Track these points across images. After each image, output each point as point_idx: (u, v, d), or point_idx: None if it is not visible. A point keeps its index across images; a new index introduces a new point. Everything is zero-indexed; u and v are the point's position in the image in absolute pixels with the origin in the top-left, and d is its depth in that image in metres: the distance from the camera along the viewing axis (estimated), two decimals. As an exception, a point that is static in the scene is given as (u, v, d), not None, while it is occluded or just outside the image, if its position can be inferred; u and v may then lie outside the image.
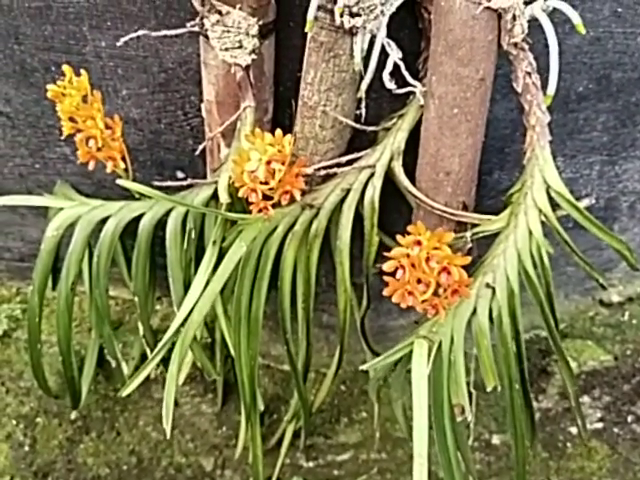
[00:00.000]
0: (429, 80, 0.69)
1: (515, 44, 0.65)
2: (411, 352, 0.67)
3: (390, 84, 0.67)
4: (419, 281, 0.60)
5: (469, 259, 0.60)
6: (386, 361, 0.67)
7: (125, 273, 0.94)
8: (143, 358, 0.98)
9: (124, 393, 0.78)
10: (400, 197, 0.82)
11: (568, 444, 1.12)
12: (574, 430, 1.12)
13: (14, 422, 1.06)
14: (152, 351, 0.90)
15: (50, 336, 1.04)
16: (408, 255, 0.60)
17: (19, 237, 1.02)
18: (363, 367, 0.66)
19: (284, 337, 0.83)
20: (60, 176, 0.92)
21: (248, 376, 0.80)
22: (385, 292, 0.63)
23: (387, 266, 0.60)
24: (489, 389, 0.69)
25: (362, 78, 0.69)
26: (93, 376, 1.01)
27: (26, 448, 1.04)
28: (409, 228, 0.59)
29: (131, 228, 0.83)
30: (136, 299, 0.84)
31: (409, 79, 0.68)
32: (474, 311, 0.69)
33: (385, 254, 0.60)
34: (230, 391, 1.09)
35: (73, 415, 1.07)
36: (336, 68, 0.68)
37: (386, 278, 0.62)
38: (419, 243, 0.58)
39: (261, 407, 0.87)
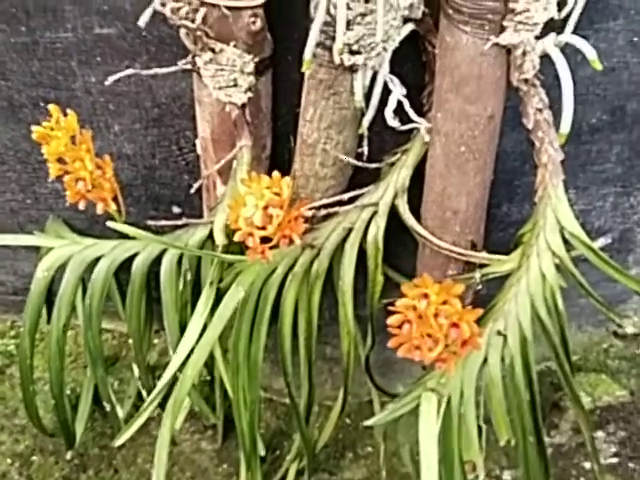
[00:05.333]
0: (434, 117, 0.65)
1: (525, 80, 0.62)
2: (418, 405, 0.64)
3: (393, 122, 0.64)
4: (427, 334, 0.56)
5: (479, 313, 0.56)
6: (392, 415, 0.63)
7: (120, 309, 0.90)
8: (140, 396, 0.95)
9: (117, 443, 0.75)
10: (405, 230, 0.78)
11: (582, 479, 1.08)
12: (587, 465, 1.08)
13: (9, 461, 1.02)
14: (148, 393, 0.87)
15: (45, 372, 1.01)
16: (414, 308, 0.56)
17: (12, 271, 0.99)
18: (368, 423, 0.63)
19: (285, 380, 0.79)
20: (52, 211, 0.88)
21: (248, 422, 0.77)
22: (390, 344, 0.59)
23: (393, 320, 0.56)
24: (502, 443, 0.65)
25: (364, 114, 0.66)
26: (89, 414, 0.98)
27: (21, 488, 1.01)
28: (415, 281, 0.55)
29: (126, 262, 0.80)
30: (131, 341, 0.81)
31: (413, 116, 0.65)
32: (485, 360, 0.65)
33: (390, 308, 0.57)
34: (231, 427, 1.05)
35: (70, 453, 1.03)
36: (336, 105, 0.65)
37: (392, 330, 0.58)
38: (426, 296, 0.55)
39: (262, 452, 0.83)
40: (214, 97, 0.65)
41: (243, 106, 0.65)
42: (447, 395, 0.63)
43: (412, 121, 0.66)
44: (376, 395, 0.98)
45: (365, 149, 0.66)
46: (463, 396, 0.64)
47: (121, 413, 0.87)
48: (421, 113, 0.68)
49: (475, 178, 0.67)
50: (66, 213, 0.89)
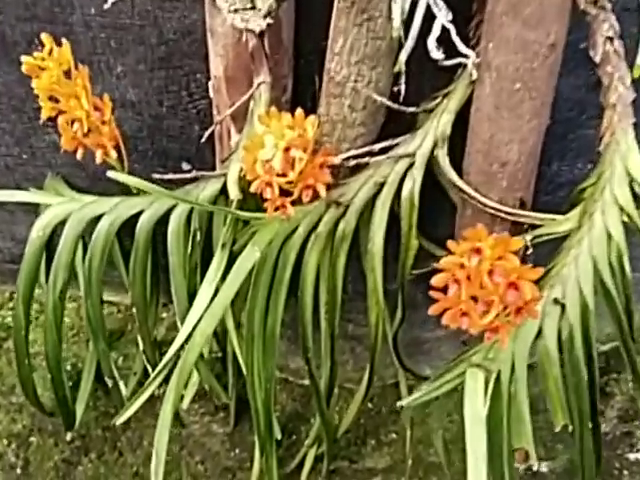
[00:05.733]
0: (484, 48, 0.56)
1: (595, 2, 0.52)
2: (461, 384, 0.55)
3: (437, 53, 0.55)
4: (476, 299, 0.47)
5: (541, 272, 0.47)
6: (429, 396, 0.55)
7: (125, 277, 0.83)
8: (146, 373, 0.87)
9: (119, 421, 0.67)
10: (441, 192, 0.69)
11: (625, 472, 0.99)
12: (632, 456, 0.99)
13: (5, 441, 0.95)
14: (154, 368, 0.79)
15: (44, 346, 0.93)
16: (463, 266, 0.47)
17: (9, 236, 0.92)
18: (401, 403, 0.54)
19: (305, 356, 0.71)
20: (51, 168, 0.81)
21: (263, 402, 0.69)
22: (431, 310, 0.51)
23: (436, 280, 0.47)
24: (558, 429, 0.56)
25: (401, 46, 0.57)
26: (91, 392, 0.90)
27: (18, 471, 0.94)
28: (466, 233, 0.46)
29: (131, 225, 0.72)
30: (134, 310, 0.73)
31: (460, 47, 0.55)
32: (539, 332, 0.56)
33: (435, 265, 0.48)
34: (244, 408, 0.97)
35: (70, 434, 0.96)
36: (370, 34, 0.55)
37: (433, 294, 0.50)
38: (478, 251, 0.46)
39: (278, 436, 0.75)
40: (229, 24, 0.56)
41: (262, 35, 0.56)
42: (496, 372, 0.54)
43: (457, 55, 0.57)
44: (403, 377, 0.90)
45: (402, 87, 0.57)
46: (514, 373, 0.55)
47: (125, 390, 0.79)
48: (467, 48, 0.59)
49: (530, 122, 0.58)
50: (66, 170, 0.81)
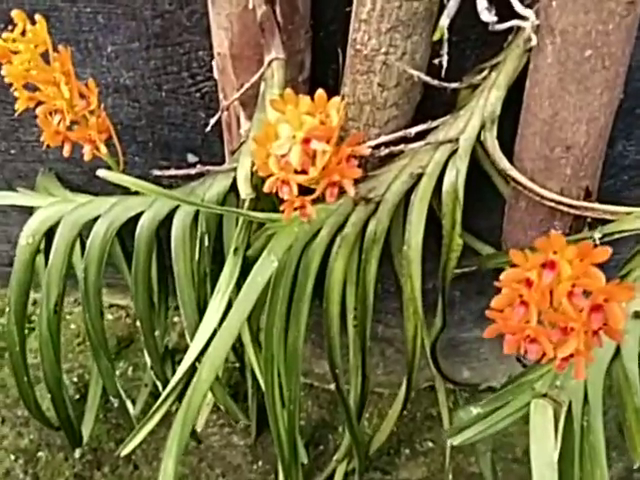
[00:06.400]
0: (546, 8, 0.46)
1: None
2: (523, 413, 0.46)
3: (488, 16, 0.45)
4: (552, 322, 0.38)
5: (633, 287, 0.37)
6: (485, 433, 0.45)
7: (130, 282, 0.74)
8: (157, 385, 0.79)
9: (124, 452, 0.59)
10: (485, 181, 0.60)
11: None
12: None
13: (12, 457, 0.89)
14: (164, 385, 0.71)
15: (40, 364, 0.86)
16: (529, 282, 0.38)
17: (4, 239, 0.84)
18: (453, 442, 0.45)
19: (333, 371, 0.63)
20: (42, 163, 0.72)
21: (286, 425, 0.60)
22: (486, 334, 0.41)
23: (497, 302, 0.38)
24: (636, 465, 0.47)
25: (443, 8, 0.46)
26: (101, 404, 0.83)
27: (27, 488, 0.88)
28: (537, 242, 0.36)
29: (134, 222, 0.63)
30: (139, 323, 0.65)
31: (517, 6, 0.45)
32: (616, 353, 0.46)
33: (496, 284, 0.38)
34: (265, 419, 0.89)
35: (80, 449, 0.89)
36: (404, -5, 0.45)
37: (491, 315, 0.40)
38: (552, 265, 0.36)
39: (304, 460, 0.67)
40: (232, -11, 0.46)
41: (272, 1, 0.46)
42: (566, 403, 0.44)
43: (510, 18, 0.46)
44: (442, 385, 0.81)
45: (445, 59, 0.47)
46: (587, 402, 0.45)
47: (132, 409, 0.71)
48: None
49: (602, 97, 0.47)
50: (60, 166, 0.73)
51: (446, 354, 0.89)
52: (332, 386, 0.97)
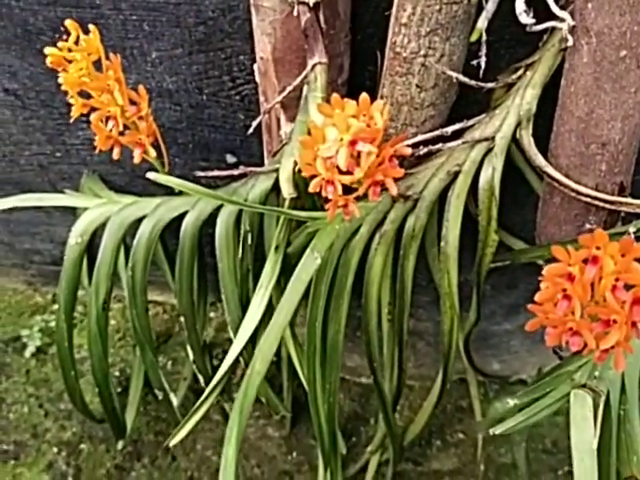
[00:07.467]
0: (581, 9, 0.47)
1: None
2: (563, 403, 0.47)
3: (526, 18, 0.46)
4: (587, 315, 0.39)
5: (672, 282, 0.39)
6: (526, 423, 0.47)
7: (170, 279, 0.77)
8: (197, 378, 0.82)
9: (172, 442, 0.62)
10: (517, 177, 0.61)
11: None
12: None
13: (55, 449, 0.92)
14: (205, 378, 0.74)
15: (89, 358, 0.89)
16: (570, 276, 0.39)
17: (48, 238, 0.87)
18: (495, 432, 0.47)
19: (371, 366, 0.64)
20: (86, 165, 0.75)
21: (326, 417, 0.62)
22: (528, 326, 0.43)
23: (540, 296, 0.39)
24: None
25: (480, 10, 0.48)
26: (141, 397, 0.86)
27: (70, 479, 0.91)
28: (581, 239, 0.38)
29: (175, 223, 0.66)
30: (182, 319, 0.68)
31: (553, 7, 0.46)
32: (654, 345, 0.48)
33: (540, 278, 0.40)
34: (300, 410, 0.92)
35: (122, 440, 0.92)
36: (444, -1, 0.47)
37: (533, 308, 0.42)
38: (596, 261, 0.37)
39: (343, 450, 0.69)
40: (277, -3, 0.48)
41: (316, 7, 0.48)
42: (605, 393, 0.46)
43: (547, 18, 0.48)
44: (474, 379, 0.82)
45: (483, 60, 0.48)
46: (625, 392, 0.47)
47: (175, 401, 0.74)
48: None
49: (636, 95, 0.48)
50: (103, 167, 0.75)
51: (476, 347, 0.91)
52: (363, 379, 0.99)
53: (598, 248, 0.37)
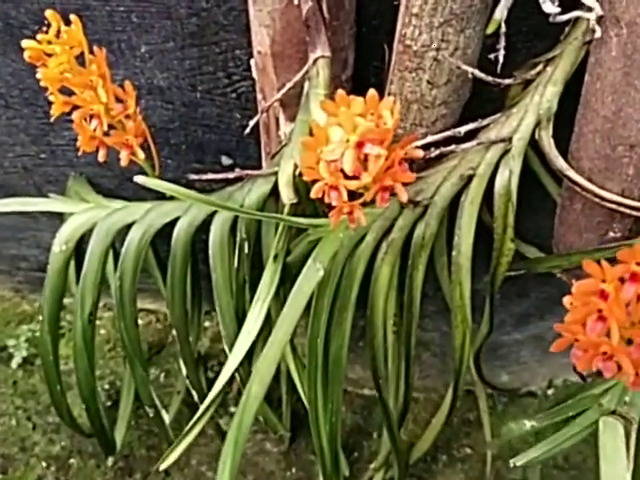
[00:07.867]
0: (611, -3, 0.43)
1: None
2: (591, 431, 0.43)
3: (551, 7, 0.42)
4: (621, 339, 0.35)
5: None
6: (550, 453, 0.43)
7: (162, 287, 0.73)
8: (190, 392, 0.78)
9: (162, 466, 0.57)
10: (532, 181, 0.57)
11: None
12: None
13: (44, 464, 0.88)
14: (199, 394, 0.70)
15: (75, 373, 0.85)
16: (604, 294, 0.35)
17: (34, 244, 0.83)
18: (517, 463, 0.42)
19: (376, 382, 0.60)
20: (73, 167, 0.71)
21: (328, 437, 0.58)
22: (553, 348, 0.39)
23: (572, 317, 0.35)
24: None
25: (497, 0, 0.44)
26: (132, 411, 0.81)
27: (59, 496, 0.87)
28: (620, 253, 0.34)
29: (166, 230, 0.62)
30: (174, 332, 0.63)
31: (580, -4, 0.42)
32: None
33: (567, 297, 0.36)
34: (299, 425, 0.88)
35: (112, 457, 0.88)
36: (459, -13, 0.43)
37: (560, 328, 0.38)
38: (635, 278, 0.33)
39: (346, 472, 0.65)
40: (275, -15, 0.44)
41: (319, -4, 0.44)
42: (636, 420, 0.42)
43: (572, 8, 0.44)
44: (482, 392, 0.78)
45: (501, 54, 0.44)
46: (657, 420, 0.42)
47: (167, 418, 0.70)
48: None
49: (670, 92, 0.44)
50: (90, 170, 0.71)
51: (485, 357, 0.86)
52: (365, 391, 0.95)
53: (638, 264, 0.33)
